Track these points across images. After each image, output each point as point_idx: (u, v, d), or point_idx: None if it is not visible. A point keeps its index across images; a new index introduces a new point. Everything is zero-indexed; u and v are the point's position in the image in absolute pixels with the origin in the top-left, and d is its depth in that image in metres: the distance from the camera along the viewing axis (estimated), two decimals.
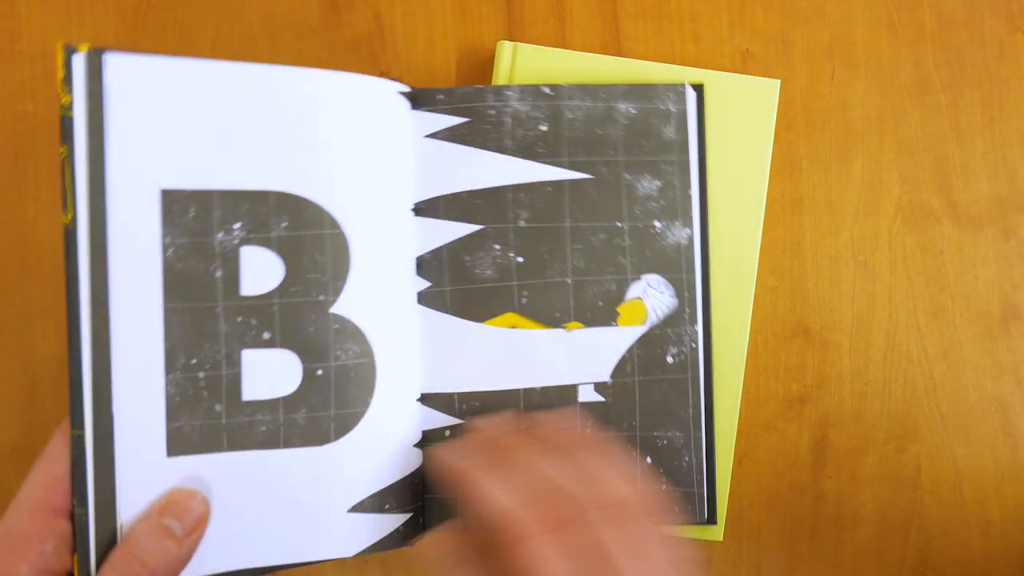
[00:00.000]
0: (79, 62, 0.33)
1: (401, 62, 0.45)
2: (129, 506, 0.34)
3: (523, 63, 0.43)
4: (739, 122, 0.43)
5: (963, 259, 0.46)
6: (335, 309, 0.37)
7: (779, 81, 0.43)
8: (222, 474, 0.35)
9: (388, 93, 0.38)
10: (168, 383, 0.35)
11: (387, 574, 0.44)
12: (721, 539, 0.43)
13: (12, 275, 0.43)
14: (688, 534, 0.43)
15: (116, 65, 0.34)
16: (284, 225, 0.36)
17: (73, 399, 0.33)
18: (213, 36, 0.44)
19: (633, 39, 0.45)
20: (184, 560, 0.33)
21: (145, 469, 0.34)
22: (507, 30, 0.45)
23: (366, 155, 0.38)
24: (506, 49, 0.43)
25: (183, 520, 0.33)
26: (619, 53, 0.45)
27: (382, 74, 0.45)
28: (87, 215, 0.34)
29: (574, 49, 0.44)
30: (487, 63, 0.45)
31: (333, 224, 0.37)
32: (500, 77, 0.43)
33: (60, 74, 0.33)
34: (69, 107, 0.33)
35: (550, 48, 0.43)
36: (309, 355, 0.36)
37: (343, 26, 0.45)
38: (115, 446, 0.34)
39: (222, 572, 0.35)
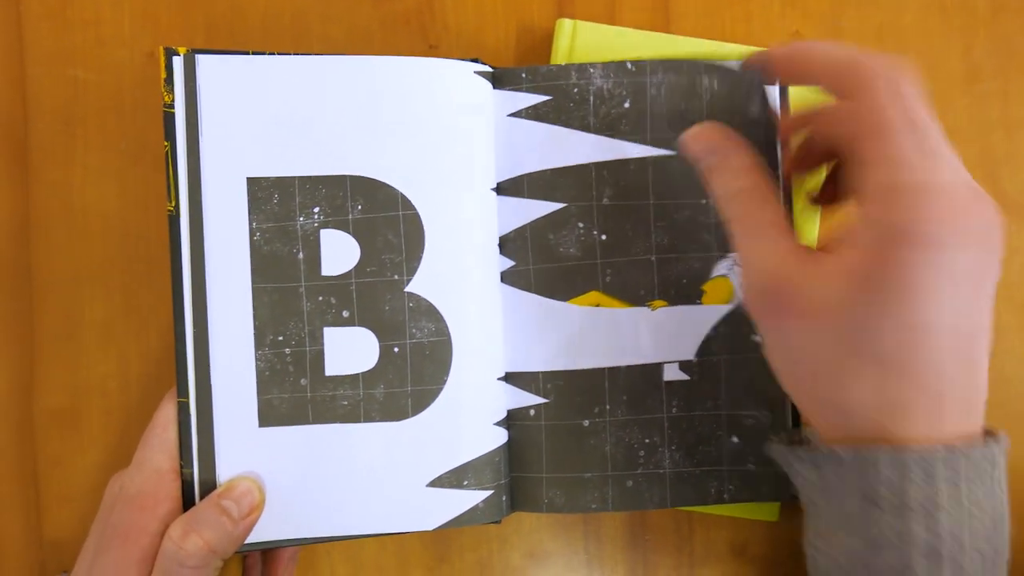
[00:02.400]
0: (178, 64, 0.36)
1: (451, 35, 0.45)
2: (227, 470, 0.37)
3: (583, 40, 0.42)
4: (799, 102, 0.42)
5: (1009, 248, 0.45)
6: (410, 288, 0.38)
7: None
8: (308, 445, 0.38)
9: (465, 74, 0.39)
10: (258, 358, 0.37)
11: (424, 547, 0.44)
12: (776, 519, 0.43)
13: (60, 240, 0.44)
14: (743, 514, 0.43)
15: (206, 65, 0.37)
16: (359, 208, 0.38)
17: (179, 370, 0.37)
18: (264, 7, 0.44)
19: (683, 17, 0.45)
20: (238, 540, 0.36)
21: (240, 438, 0.37)
22: (557, 5, 0.45)
23: (442, 137, 0.38)
24: (566, 26, 0.43)
25: (240, 504, 0.36)
26: (668, 31, 0.45)
27: (431, 47, 0.45)
28: (187, 204, 0.36)
29: (623, 26, 0.44)
30: (539, 37, 0.45)
31: (407, 205, 0.38)
32: (560, 55, 0.43)
33: (162, 75, 0.37)
34: (171, 105, 0.37)
35: (610, 26, 0.43)
36: (385, 333, 0.38)
37: None
38: (214, 415, 0.37)
39: (306, 537, 0.38)
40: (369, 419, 0.38)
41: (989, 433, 0.32)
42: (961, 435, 0.30)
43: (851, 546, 0.30)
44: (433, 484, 0.38)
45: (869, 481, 0.30)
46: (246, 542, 0.37)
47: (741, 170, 0.34)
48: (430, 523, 0.38)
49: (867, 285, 0.30)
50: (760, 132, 0.40)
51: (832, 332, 0.30)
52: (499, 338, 0.40)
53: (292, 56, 0.37)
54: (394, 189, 0.38)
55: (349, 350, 0.38)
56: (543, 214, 0.40)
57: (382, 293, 0.38)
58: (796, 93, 0.41)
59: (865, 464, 0.30)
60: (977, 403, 0.31)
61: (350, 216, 0.38)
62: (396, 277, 0.38)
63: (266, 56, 0.37)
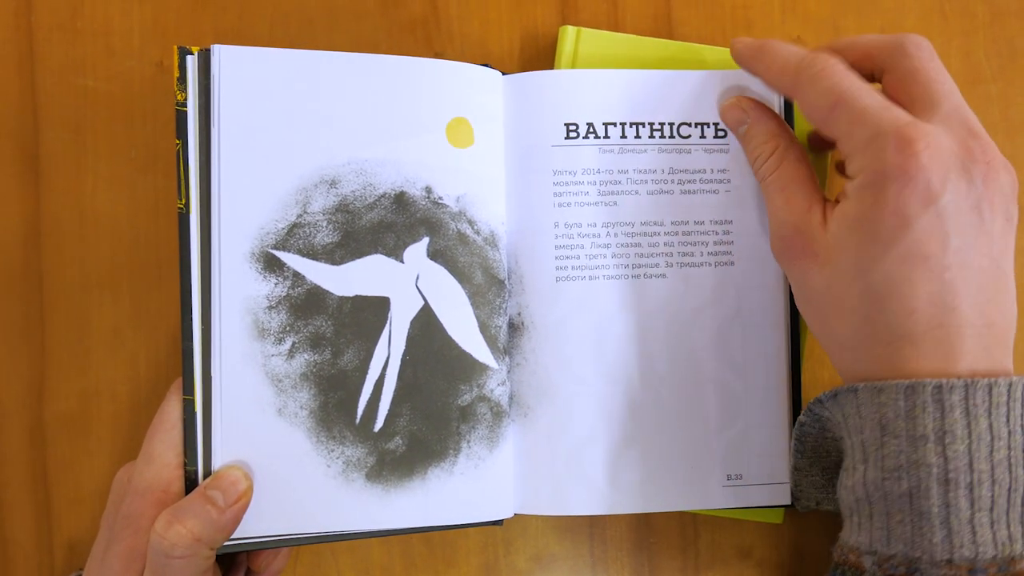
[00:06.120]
0: (191, 62, 0.37)
1: (456, 44, 0.45)
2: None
3: (586, 48, 0.43)
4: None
5: (1016, 251, 0.46)
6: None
7: None
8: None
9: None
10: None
11: (431, 551, 0.44)
12: (781, 521, 0.44)
13: (70, 246, 0.44)
14: (748, 516, 0.43)
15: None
16: None
17: (185, 367, 0.37)
18: (271, 16, 0.45)
19: (685, 24, 0.46)
20: (226, 528, 0.35)
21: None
22: (560, 13, 0.46)
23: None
24: (569, 34, 0.43)
25: (226, 493, 0.35)
26: (671, 38, 0.45)
27: (436, 55, 0.45)
28: (197, 201, 0.37)
29: (626, 33, 0.45)
30: (543, 45, 0.45)
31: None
32: (563, 61, 0.43)
33: (175, 74, 0.37)
34: (183, 103, 0.37)
35: (613, 33, 0.43)
36: None
37: (399, 7, 0.45)
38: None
39: (303, 535, 0.37)
40: None
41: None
42: (982, 371, 0.31)
43: (870, 476, 0.32)
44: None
45: (882, 410, 0.31)
46: (242, 539, 0.36)
47: (768, 135, 0.38)
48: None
49: (862, 227, 0.32)
50: None
51: (838, 273, 0.33)
52: None
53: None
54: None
55: None
56: None
57: None
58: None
59: (876, 393, 0.31)
60: (998, 341, 0.32)
61: None
62: None
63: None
